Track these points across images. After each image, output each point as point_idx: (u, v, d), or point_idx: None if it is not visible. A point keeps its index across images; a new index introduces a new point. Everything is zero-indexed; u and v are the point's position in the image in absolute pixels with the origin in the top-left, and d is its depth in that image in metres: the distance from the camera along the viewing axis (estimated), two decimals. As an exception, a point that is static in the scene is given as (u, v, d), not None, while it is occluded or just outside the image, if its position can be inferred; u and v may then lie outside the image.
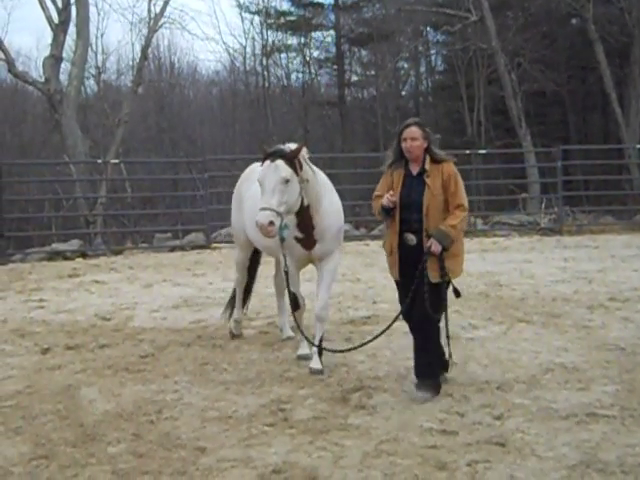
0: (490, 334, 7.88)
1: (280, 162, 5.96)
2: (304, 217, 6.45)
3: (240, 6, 34.61)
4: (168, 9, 25.54)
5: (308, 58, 35.34)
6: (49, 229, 23.83)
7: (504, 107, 26.51)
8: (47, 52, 21.98)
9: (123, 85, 35.20)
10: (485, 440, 4.94)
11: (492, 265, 12.78)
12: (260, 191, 6.07)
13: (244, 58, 35.73)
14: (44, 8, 22.00)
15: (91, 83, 34.29)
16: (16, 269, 14.12)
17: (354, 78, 36.81)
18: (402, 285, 5.95)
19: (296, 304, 6.87)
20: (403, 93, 36.99)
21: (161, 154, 31.52)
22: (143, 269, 13.69)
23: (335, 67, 35.13)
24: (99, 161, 22.82)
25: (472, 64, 30.47)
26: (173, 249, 17.01)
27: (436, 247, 5.65)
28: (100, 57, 33.96)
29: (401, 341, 7.27)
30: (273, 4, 34.85)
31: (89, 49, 25.92)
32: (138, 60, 26.62)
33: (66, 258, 15.90)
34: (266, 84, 35.04)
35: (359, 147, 32.68)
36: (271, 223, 5.80)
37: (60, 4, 21.78)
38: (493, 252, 14.94)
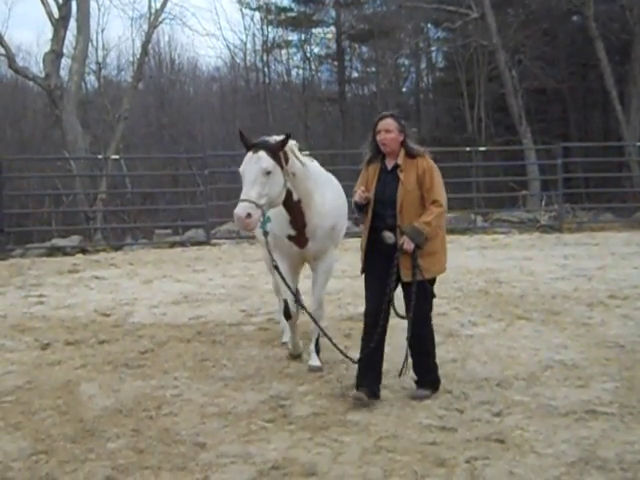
0: (490, 331, 7.88)
1: (262, 153, 5.74)
2: (295, 213, 6.27)
3: (241, 2, 34.70)
4: (168, 5, 25.59)
5: (308, 54, 35.44)
6: (49, 225, 23.88)
7: (504, 104, 26.51)
8: (47, 47, 21.97)
9: (123, 81, 35.27)
10: (484, 437, 4.94)
11: (492, 262, 12.79)
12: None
13: (244, 54, 35.83)
14: (44, 3, 21.97)
15: (91, 79, 34.36)
16: (16, 264, 14.12)
17: (354, 74, 36.89)
18: (372, 282, 5.80)
19: (287, 314, 6.63)
20: (403, 90, 37.06)
21: (161, 150, 31.51)
22: (143, 265, 13.69)
23: (335, 63, 35.15)
24: (99, 157, 22.77)
25: (473, 61, 30.47)
26: (173, 245, 17.01)
27: (408, 245, 5.47)
28: (100, 53, 34.04)
29: (400, 338, 7.26)
30: (273, 0, 34.91)
31: (89, 45, 25.91)
32: (138, 56, 26.63)
33: (66, 254, 15.90)
34: (266, 80, 35.09)
35: (359, 143, 32.40)
36: (248, 215, 5.59)
37: (60, -1, 21.77)
38: (493, 249, 14.94)
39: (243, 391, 6.08)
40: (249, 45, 35.46)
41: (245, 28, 36.26)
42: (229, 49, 40.22)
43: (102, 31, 35.61)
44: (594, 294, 9.67)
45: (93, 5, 26.97)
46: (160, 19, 25.89)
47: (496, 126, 30.76)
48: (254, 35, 35.20)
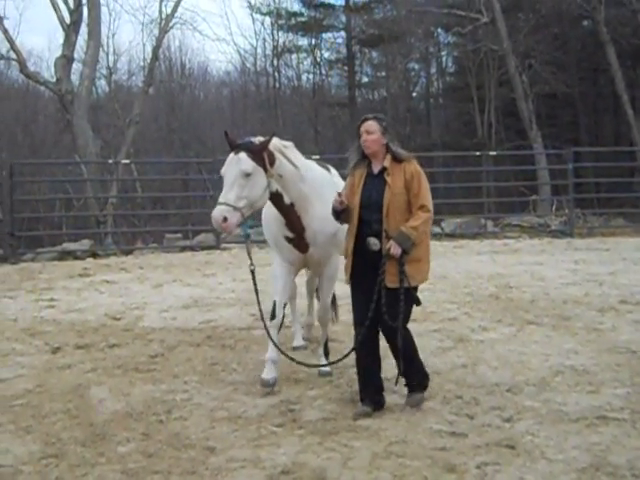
0: (500, 336, 7.86)
1: (243, 155, 5.61)
2: (290, 217, 6.11)
3: (251, 7, 34.77)
4: (179, 10, 25.67)
5: (319, 59, 35.40)
6: (60, 229, 23.96)
7: (515, 109, 26.47)
8: (59, 52, 22.11)
9: (134, 85, 35.37)
10: (495, 442, 4.93)
11: (502, 267, 12.75)
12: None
13: (255, 59, 35.87)
14: (56, 9, 22.11)
15: (102, 83, 34.51)
16: (27, 268, 14.17)
17: (365, 79, 36.86)
18: (359, 290, 5.64)
19: (272, 314, 6.39)
20: (414, 94, 36.97)
21: (171, 154, 31.60)
22: (153, 269, 13.72)
23: (346, 68, 35.12)
24: (110, 161, 22.88)
25: (483, 65, 30.41)
26: (183, 249, 17.04)
27: (395, 250, 5.33)
28: (111, 58, 34.19)
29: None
30: (284, 5, 34.98)
31: (100, 50, 25.99)
32: (149, 61, 26.70)
33: (76, 258, 15.95)
34: (277, 85, 35.12)
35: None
36: (225, 219, 5.49)
37: (72, 5, 21.88)
38: (503, 254, 14.90)
39: (253, 395, 6.08)
40: (259, 50, 35.57)
41: (255, 33, 36.42)
42: (239, 54, 40.45)
43: (113, 36, 35.96)
44: (605, 299, 9.63)
45: (104, 10, 27.14)
46: (171, 24, 25.97)
47: (506, 131, 30.69)
48: (264, 40, 35.30)
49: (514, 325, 8.32)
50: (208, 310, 9.70)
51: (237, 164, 5.63)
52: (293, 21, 35.06)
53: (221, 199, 5.59)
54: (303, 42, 35.65)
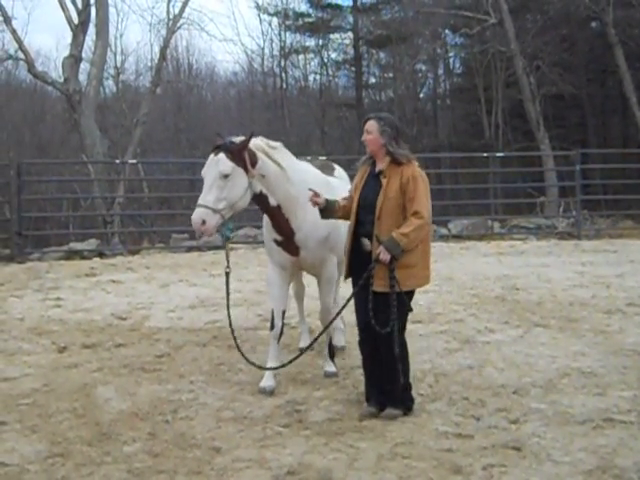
0: (507, 338, 7.84)
1: (222, 156, 5.55)
2: (278, 219, 6.01)
3: (258, 8, 34.72)
4: (187, 10, 25.60)
5: (326, 60, 35.35)
6: (67, 228, 23.93)
7: (522, 110, 26.40)
8: (66, 52, 22.09)
9: (141, 86, 35.36)
10: (501, 444, 4.92)
11: (509, 269, 12.73)
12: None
13: (262, 59, 35.83)
14: (64, 8, 22.12)
15: (110, 83, 34.50)
16: (34, 268, 14.19)
17: (372, 80, 36.81)
18: (358, 293, 5.58)
19: (271, 323, 6.39)
20: (421, 95, 36.90)
21: (178, 154, 31.59)
22: (160, 269, 13.73)
23: (353, 69, 35.08)
24: (117, 161, 22.89)
25: (490, 67, 30.35)
26: (190, 249, 17.04)
27: (384, 256, 5.24)
28: (119, 58, 34.21)
29: (417, 344, 7.26)
30: (291, 6, 34.91)
31: (108, 49, 25.99)
32: (157, 61, 26.69)
33: (83, 257, 15.96)
34: (284, 85, 35.10)
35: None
36: (203, 222, 5.44)
37: (80, 5, 21.89)
38: (510, 255, 14.87)
39: (259, 396, 6.08)
40: (267, 50, 35.51)
41: (263, 33, 36.17)
42: (247, 54, 40.29)
43: (121, 36, 35.90)
44: (612, 301, 9.61)
45: (112, 10, 27.13)
46: (178, 24, 25.95)
47: (514, 132, 30.63)
48: (272, 40, 35.25)
49: (521, 327, 8.31)
50: (214, 310, 9.70)
51: (216, 165, 5.58)
52: (300, 22, 35.03)
53: (200, 201, 5.53)
54: (310, 43, 35.62)
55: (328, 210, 5.75)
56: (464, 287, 10.92)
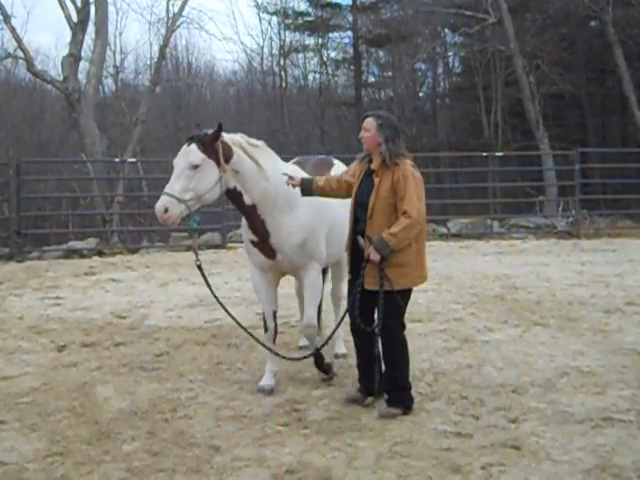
0: (506, 337, 7.85)
1: (193, 147, 5.52)
2: (253, 219, 5.89)
3: (258, 6, 34.69)
4: (186, 9, 25.67)
5: (325, 59, 35.32)
6: (66, 227, 23.97)
7: (522, 109, 26.42)
8: (66, 51, 22.10)
9: (141, 84, 35.37)
10: (500, 443, 4.92)
11: (508, 268, 12.73)
12: None
13: (261, 58, 35.84)
14: (63, 7, 22.11)
15: (109, 82, 34.48)
16: (33, 266, 14.20)
17: (371, 79, 36.81)
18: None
19: (264, 326, 6.36)
20: (420, 94, 36.91)
21: (178, 153, 31.59)
22: (159, 268, 13.74)
23: (352, 68, 35.06)
24: (116, 160, 22.87)
25: (490, 66, 30.36)
26: (189, 248, 17.03)
27: (374, 256, 5.27)
28: (118, 56, 34.18)
29: (416, 343, 7.26)
30: (291, 5, 34.88)
31: (107, 48, 25.99)
32: (156, 59, 26.71)
33: (83, 256, 15.97)
34: (283, 84, 35.06)
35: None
36: (166, 210, 5.35)
37: (79, 3, 21.89)
38: (509, 255, 14.88)
39: (258, 395, 6.08)
40: (266, 49, 35.50)
41: (262, 32, 36.12)
42: (246, 53, 40.44)
43: (120, 35, 35.87)
44: (611, 301, 9.61)
45: (111, 9, 27.18)
46: (178, 23, 25.98)
47: (513, 131, 30.64)
48: (271, 39, 35.23)
49: (520, 326, 8.32)
50: (214, 309, 9.67)
51: (186, 155, 5.55)
52: (300, 20, 35.00)
53: (166, 189, 5.47)
54: (310, 42, 35.60)
55: (306, 188, 5.78)
56: (463, 286, 10.93)
